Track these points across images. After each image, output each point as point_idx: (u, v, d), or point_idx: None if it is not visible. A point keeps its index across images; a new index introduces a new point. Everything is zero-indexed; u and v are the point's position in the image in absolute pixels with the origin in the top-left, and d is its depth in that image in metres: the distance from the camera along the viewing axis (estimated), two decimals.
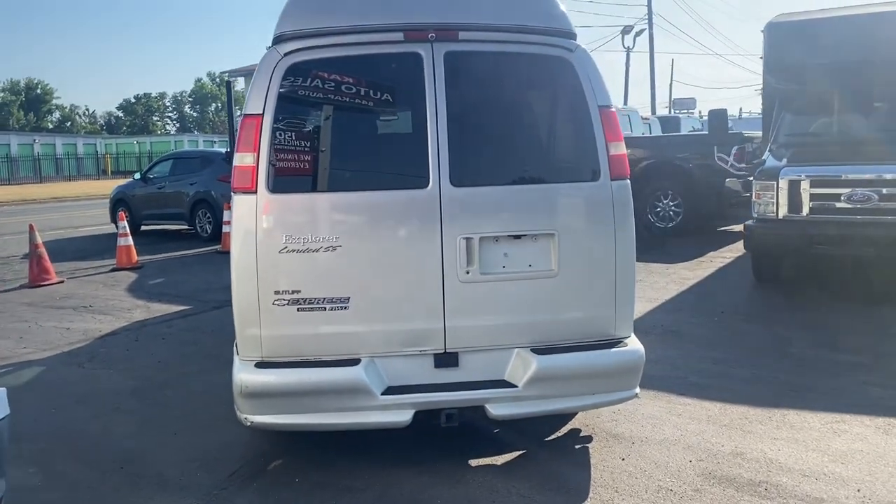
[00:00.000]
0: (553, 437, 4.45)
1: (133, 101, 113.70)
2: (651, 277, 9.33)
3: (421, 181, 3.79)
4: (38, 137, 62.48)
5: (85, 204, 28.66)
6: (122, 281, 10.18)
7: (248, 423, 3.80)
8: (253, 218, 3.72)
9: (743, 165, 11.90)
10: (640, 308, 7.63)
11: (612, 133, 3.99)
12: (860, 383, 5.19)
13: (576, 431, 4.51)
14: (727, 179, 12.12)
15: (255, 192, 3.72)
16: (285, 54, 3.81)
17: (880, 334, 6.37)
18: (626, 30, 36.25)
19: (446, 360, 3.89)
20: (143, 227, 15.60)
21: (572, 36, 4.03)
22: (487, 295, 3.88)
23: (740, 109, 42.61)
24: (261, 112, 3.74)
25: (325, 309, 3.78)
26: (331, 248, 3.75)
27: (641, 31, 37.22)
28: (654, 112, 35.19)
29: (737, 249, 11.10)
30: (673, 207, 12.98)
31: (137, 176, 16.31)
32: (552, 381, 3.87)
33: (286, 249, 3.73)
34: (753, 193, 8.35)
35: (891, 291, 7.75)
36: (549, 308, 3.95)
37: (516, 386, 3.84)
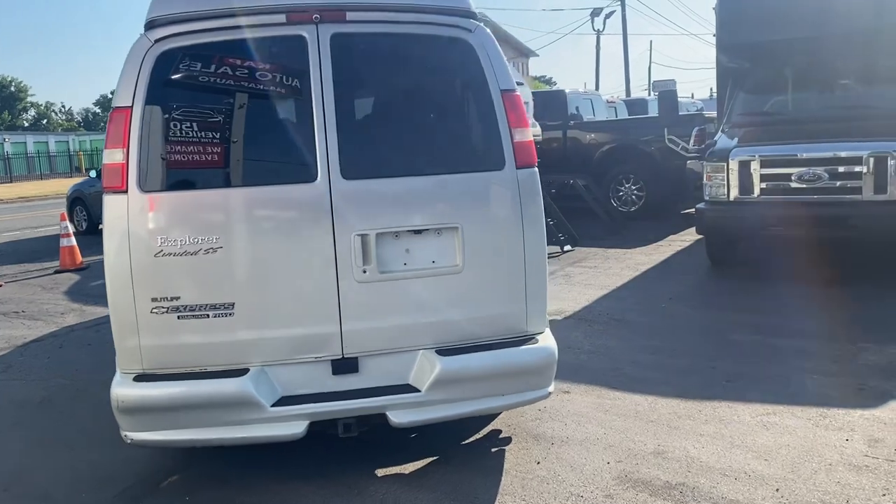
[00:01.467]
0: (471, 439, 4.22)
1: (110, 96, 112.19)
2: (606, 263, 9.12)
3: (308, 175, 3.53)
4: (7, 136, 61.45)
5: (52, 203, 28.14)
6: (63, 283, 9.85)
7: (129, 441, 3.54)
8: (125, 219, 3.45)
9: (702, 147, 11.69)
10: (591, 295, 7.43)
11: (516, 119, 3.74)
12: (800, 370, 5.00)
13: (496, 433, 4.28)
14: (688, 162, 11.91)
15: (126, 192, 3.45)
16: (156, 41, 3.53)
17: (828, 318, 6.18)
18: (595, 12, 35.95)
19: (344, 365, 3.65)
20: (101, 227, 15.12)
21: (471, 15, 3.77)
22: (388, 295, 3.64)
23: (711, 90, 42.35)
24: (130, 104, 3.46)
25: (207, 316, 3.51)
26: (211, 251, 3.48)
27: (612, 13, 36.92)
28: (628, 94, 34.97)
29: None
30: (635, 191, 12.78)
31: (94, 174, 15.81)
32: (457, 384, 3.64)
33: (162, 253, 3.47)
34: (704, 175, 8.14)
35: (843, 272, 7.57)
36: (456, 306, 3.72)
37: (419, 390, 3.59)
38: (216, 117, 3.58)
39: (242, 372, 3.53)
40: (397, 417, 3.61)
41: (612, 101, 17.54)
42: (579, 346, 5.79)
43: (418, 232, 3.66)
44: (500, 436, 4.25)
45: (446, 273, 3.67)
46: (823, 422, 4.16)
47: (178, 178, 3.57)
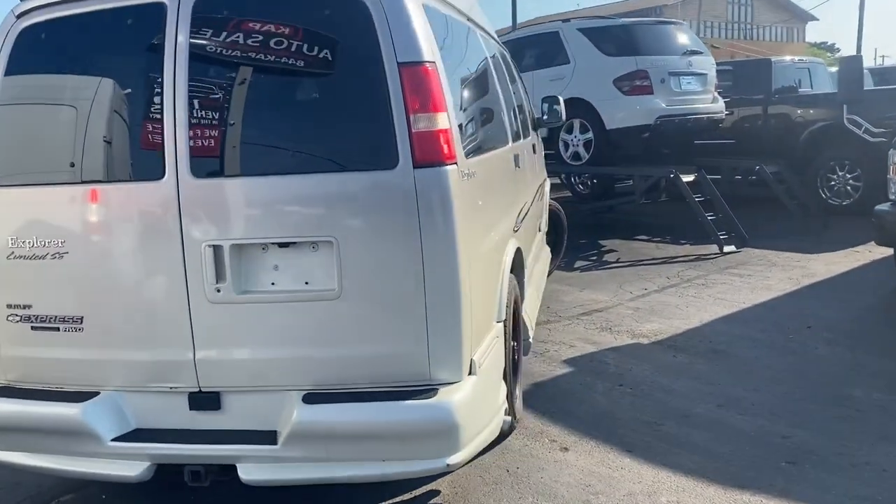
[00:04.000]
0: (397, 499, 3.41)
1: None
2: (766, 272, 7.48)
3: (155, 170, 2.95)
4: None
5: None
6: None
7: None
8: None
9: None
10: (711, 314, 6.06)
11: (417, 101, 2.84)
12: None
13: (432, 494, 3.43)
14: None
15: None
16: (19, 16, 3.14)
17: None
18: None
19: (203, 401, 3.05)
20: None
21: None
22: (249, 321, 2.97)
23: None
24: None
25: (58, 329, 3.10)
26: (58, 256, 3.05)
27: None
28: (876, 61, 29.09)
29: None
30: (850, 181, 10.51)
31: None
32: (320, 440, 2.88)
33: (13, 255, 3.10)
34: (890, 169, 6.27)
35: None
36: (332, 341, 2.95)
37: (277, 443, 2.89)
38: (72, 101, 3.11)
39: (89, 396, 3.08)
40: (247, 473, 2.95)
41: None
42: (632, 384, 4.62)
43: (285, 245, 2.93)
44: (434, 501, 3.39)
45: (321, 298, 2.91)
46: None
47: (32, 170, 3.16)
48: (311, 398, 2.91)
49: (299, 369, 2.97)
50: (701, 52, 9.82)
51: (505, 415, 3.53)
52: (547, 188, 7.25)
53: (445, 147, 2.89)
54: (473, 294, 3.05)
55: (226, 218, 2.93)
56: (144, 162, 2.99)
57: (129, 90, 3.07)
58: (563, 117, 6.92)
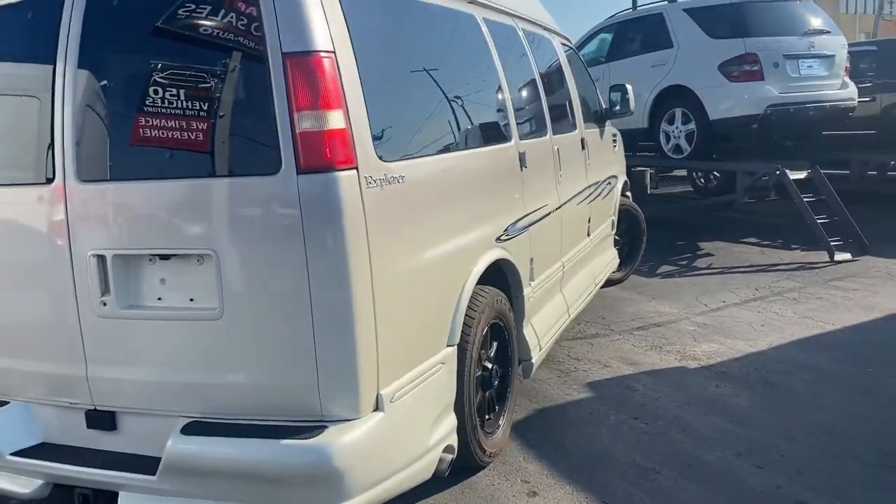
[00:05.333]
0: None
1: None
2: (878, 288, 6.45)
3: (43, 174, 2.78)
4: None
5: None
6: None
7: None
8: None
9: None
10: (787, 335, 5.28)
11: (305, 97, 2.48)
12: None
13: None
14: None
15: None
16: None
17: None
18: None
19: (98, 420, 2.89)
20: None
21: None
22: (137, 338, 2.75)
23: None
24: None
25: None
26: None
27: None
28: None
29: None
30: None
31: None
32: (194, 475, 2.62)
33: None
34: None
35: None
36: (215, 365, 2.68)
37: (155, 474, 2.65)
38: None
39: None
40: (126, 502, 2.71)
41: None
42: (651, 417, 4.02)
43: (166, 258, 2.67)
44: None
45: (203, 318, 2.63)
46: None
47: None
48: (190, 428, 2.65)
49: (187, 394, 2.72)
50: (827, 32, 8.64)
51: (448, 453, 3.10)
52: (618, 186, 6.60)
53: (339, 150, 2.52)
54: (388, 317, 2.68)
55: (110, 226, 2.72)
56: (35, 165, 2.81)
57: (29, 87, 2.90)
58: (632, 107, 6.25)
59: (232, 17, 2.57)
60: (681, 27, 8.98)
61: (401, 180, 2.81)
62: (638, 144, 10.19)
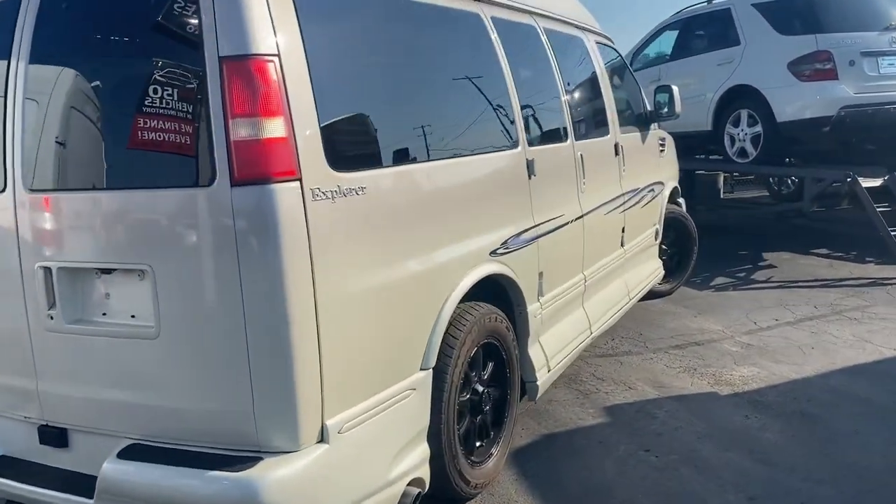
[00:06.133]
0: None
1: None
2: None
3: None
4: None
5: None
6: None
7: None
8: None
9: None
10: (843, 359, 4.81)
11: (243, 104, 2.30)
12: None
13: None
14: None
15: None
16: None
17: None
18: None
19: (50, 436, 2.80)
20: None
21: None
22: (83, 354, 2.65)
23: None
24: None
25: None
26: None
27: None
28: None
29: None
30: None
31: None
32: (126, 501, 2.47)
33: None
34: None
35: None
36: (154, 386, 2.55)
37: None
38: None
39: None
40: None
41: None
42: (665, 450, 3.69)
43: (108, 272, 2.55)
44: None
45: (142, 337, 2.50)
46: None
47: None
48: (128, 451, 2.54)
49: (130, 415, 2.60)
50: None
51: (416, 486, 2.88)
52: (664, 193, 6.21)
53: (278, 160, 2.33)
54: (338, 342, 2.48)
55: (56, 237, 2.63)
56: None
57: None
58: (678, 110, 5.85)
59: (174, 21, 2.41)
60: (748, 23, 8.43)
61: (360, 192, 2.60)
62: (703, 148, 9.69)
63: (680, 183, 10.07)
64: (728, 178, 12.02)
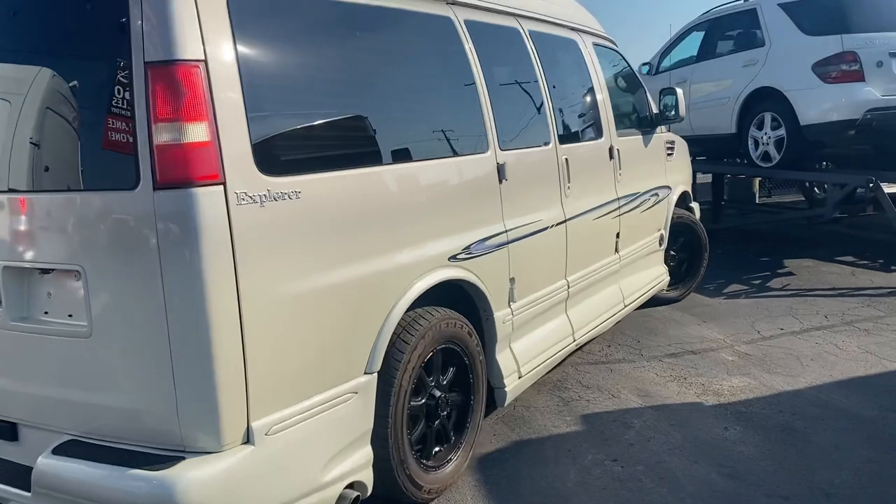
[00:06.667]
0: None
1: None
2: None
3: None
4: None
5: None
6: None
7: None
8: None
9: None
10: (842, 371, 4.67)
11: (166, 108, 2.35)
12: None
13: None
14: None
15: None
16: None
17: None
18: None
19: (1, 430, 2.86)
20: None
21: None
22: (26, 351, 2.74)
23: None
24: None
25: None
26: None
27: None
28: None
29: None
30: None
31: None
32: (58, 497, 2.54)
33: None
34: None
35: None
36: (89, 384, 2.60)
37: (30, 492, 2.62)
38: None
39: None
40: None
41: None
42: (632, 461, 3.62)
43: (48, 272, 2.62)
44: None
45: (77, 335, 2.56)
46: None
47: None
48: (63, 447, 2.61)
49: (68, 412, 2.68)
50: None
51: (356, 490, 2.89)
52: (671, 197, 6.09)
53: (200, 164, 2.36)
54: (266, 345, 2.52)
55: (1, 237, 2.68)
56: None
57: None
58: (682, 113, 5.74)
59: (107, 28, 2.46)
60: (774, 23, 8.21)
61: (294, 196, 2.61)
62: (732, 151, 9.48)
63: (710, 186, 9.93)
64: (764, 181, 11.72)
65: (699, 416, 4.12)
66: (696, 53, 9.57)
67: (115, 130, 2.45)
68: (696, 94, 9.12)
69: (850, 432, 3.83)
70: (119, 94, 2.42)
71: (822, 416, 4.04)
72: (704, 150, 9.72)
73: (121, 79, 2.42)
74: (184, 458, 2.41)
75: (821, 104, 7.56)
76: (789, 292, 6.72)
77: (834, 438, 3.77)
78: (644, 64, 10.43)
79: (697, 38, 9.65)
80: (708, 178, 9.90)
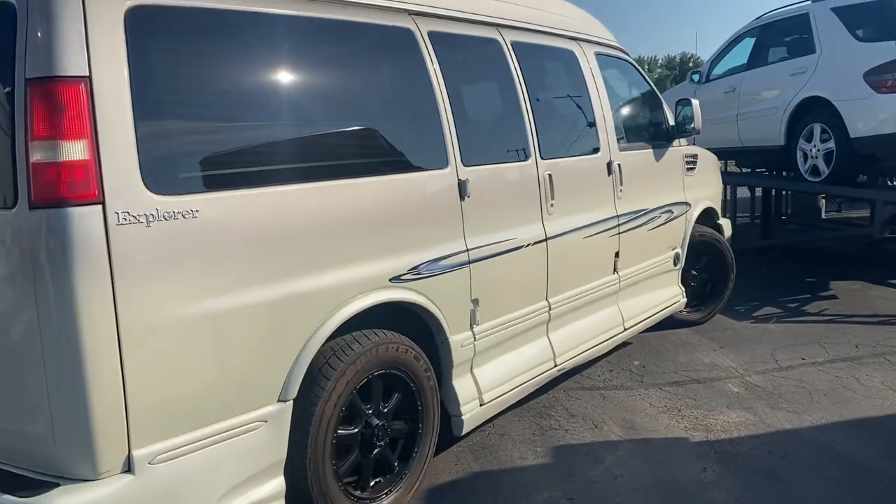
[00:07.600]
0: None
1: None
2: None
3: None
4: None
5: None
6: None
7: None
8: None
9: None
10: (853, 411, 4.30)
11: (43, 126, 2.30)
12: None
13: None
14: None
15: None
16: None
17: None
18: None
19: None
20: None
21: None
22: None
23: None
24: None
25: None
26: None
27: None
28: None
29: None
30: None
31: None
32: None
33: None
34: None
35: None
36: None
37: None
38: None
39: None
40: None
41: None
42: (590, 500, 3.36)
43: None
44: None
45: None
46: None
47: None
48: None
49: None
50: None
51: None
52: (689, 214, 5.76)
53: (77, 183, 2.29)
54: (152, 371, 2.43)
55: None
56: None
57: None
58: (698, 125, 5.42)
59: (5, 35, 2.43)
60: (826, 29, 7.70)
61: (191, 215, 2.52)
62: (779, 164, 8.98)
63: (759, 200, 9.42)
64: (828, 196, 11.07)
65: (679, 454, 3.83)
66: (746, 61, 9.09)
67: None
68: (744, 105, 8.66)
69: (840, 482, 3.48)
70: (3, 110, 2.38)
71: (813, 461, 3.68)
72: (753, 162, 9.24)
73: (5, 94, 2.38)
74: (58, 485, 2.34)
75: (872, 115, 7.02)
76: (825, 318, 6.25)
77: (818, 488, 3.42)
78: (694, 72, 10.00)
79: (749, 44, 9.16)
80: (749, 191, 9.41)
